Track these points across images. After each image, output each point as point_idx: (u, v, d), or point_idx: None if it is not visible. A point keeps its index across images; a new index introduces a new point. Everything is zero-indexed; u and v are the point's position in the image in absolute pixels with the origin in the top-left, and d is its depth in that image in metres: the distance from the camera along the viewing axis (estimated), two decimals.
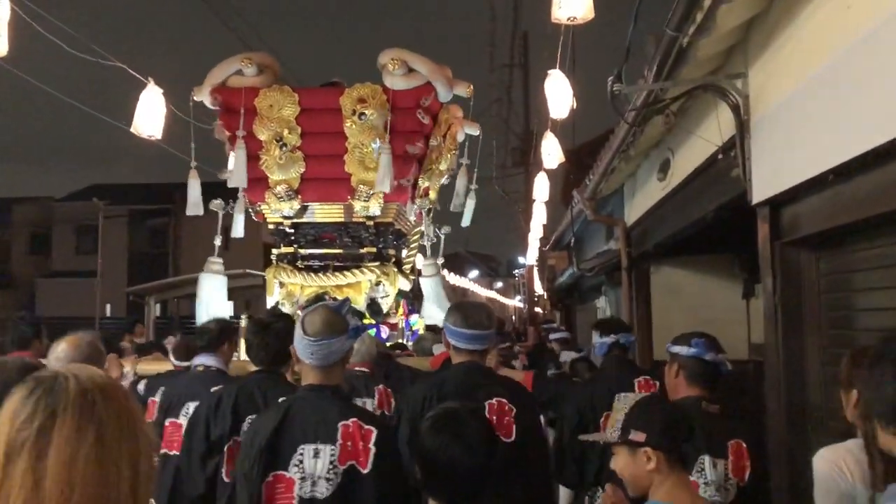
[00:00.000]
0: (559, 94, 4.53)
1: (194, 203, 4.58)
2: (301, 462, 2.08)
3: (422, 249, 5.36)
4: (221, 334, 3.62)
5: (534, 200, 10.20)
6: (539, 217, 11.66)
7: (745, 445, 2.44)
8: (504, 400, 2.48)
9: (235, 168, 4.35)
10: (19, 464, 0.95)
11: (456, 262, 9.18)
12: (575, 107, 4.61)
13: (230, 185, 4.47)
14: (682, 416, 2.01)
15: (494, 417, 2.42)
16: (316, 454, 2.08)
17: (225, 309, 4.54)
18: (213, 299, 4.54)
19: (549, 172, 8.75)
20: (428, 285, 4.84)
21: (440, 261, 5.22)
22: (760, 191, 3.62)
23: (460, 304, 2.88)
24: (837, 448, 2.01)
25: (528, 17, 19.67)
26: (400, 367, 3.29)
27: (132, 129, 4.22)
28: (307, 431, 2.10)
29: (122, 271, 26.98)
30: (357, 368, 3.42)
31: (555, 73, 4.54)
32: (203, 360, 3.46)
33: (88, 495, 0.95)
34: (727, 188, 4.17)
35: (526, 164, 19.64)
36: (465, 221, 5.45)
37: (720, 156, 4.10)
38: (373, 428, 2.11)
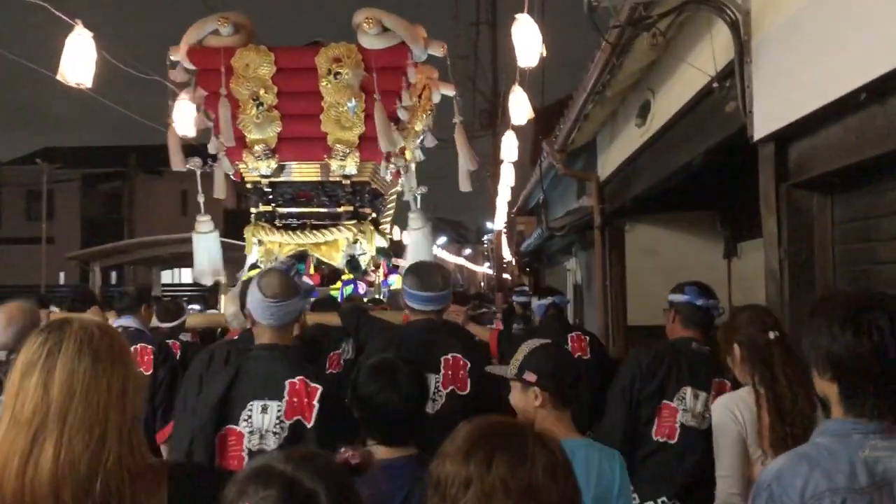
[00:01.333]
0: (527, 41, 4.27)
1: (176, 158, 4.76)
2: (250, 417, 2.26)
3: (406, 206, 5.52)
4: (140, 298, 4.17)
5: (501, 161, 10.03)
6: (507, 179, 11.39)
7: (728, 385, 2.73)
8: (459, 355, 2.70)
9: (222, 127, 4.51)
10: (32, 378, 1.27)
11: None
12: (545, 55, 4.37)
13: (222, 142, 4.64)
14: (571, 363, 2.32)
15: (450, 372, 2.65)
16: (264, 409, 2.25)
17: (219, 266, 4.77)
18: (210, 257, 4.75)
19: (518, 132, 8.60)
20: (414, 237, 5.00)
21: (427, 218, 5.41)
22: (763, 125, 3.22)
23: (416, 266, 3.06)
24: (732, 396, 2.42)
25: None
26: (372, 320, 3.44)
27: (58, 77, 4.04)
28: (256, 388, 2.28)
29: (76, 237, 26.66)
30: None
31: (522, 17, 4.29)
32: (122, 322, 3.81)
33: (86, 400, 1.26)
34: (720, 126, 3.75)
35: (493, 126, 19.74)
36: (464, 186, 5.47)
37: (715, 85, 3.61)
38: (318, 386, 2.29)
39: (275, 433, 2.23)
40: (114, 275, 26.10)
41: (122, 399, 1.29)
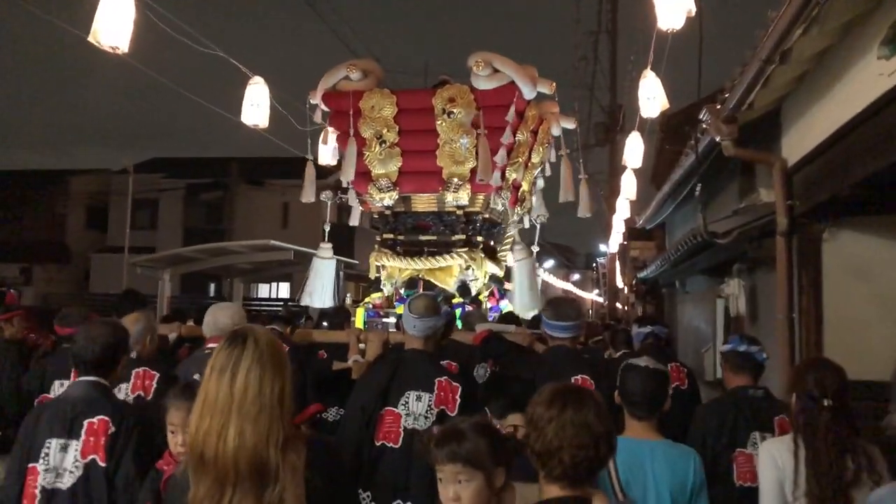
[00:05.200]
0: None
1: (306, 191, 5.91)
2: (407, 403, 3.27)
3: (525, 233, 6.53)
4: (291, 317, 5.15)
5: (624, 168, 8.95)
6: (628, 191, 10.02)
7: (788, 420, 3.31)
8: (587, 377, 3.65)
9: (345, 164, 5.63)
10: (224, 377, 1.92)
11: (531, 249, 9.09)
12: (694, 13, 3.98)
13: (342, 179, 5.78)
14: (647, 386, 2.92)
15: None
16: (419, 399, 3.27)
17: (329, 295, 5.89)
18: (324, 287, 5.90)
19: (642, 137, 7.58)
20: (518, 269, 6.03)
21: (534, 248, 6.42)
22: None
23: (554, 300, 4.07)
24: (775, 441, 2.95)
25: None
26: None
27: (90, 38, 3.93)
28: (412, 381, 3.31)
29: (177, 247, 28.86)
30: (210, 346, 3.87)
31: None
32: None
33: (254, 395, 1.90)
34: None
35: (612, 140, 20.16)
36: (582, 212, 6.65)
37: None
38: (459, 384, 3.32)
39: (426, 417, 3.27)
40: (212, 287, 28.25)
41: (281, 396, 1.94)
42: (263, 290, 28.46)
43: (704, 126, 5.81)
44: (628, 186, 9.69)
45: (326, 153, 5.99)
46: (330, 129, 5.92)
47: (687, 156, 7.05)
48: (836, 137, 4.39)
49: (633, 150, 7.69)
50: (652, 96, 5.14)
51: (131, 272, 26.45)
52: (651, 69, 5.16)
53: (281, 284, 27.99)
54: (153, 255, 13.74)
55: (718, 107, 5.34)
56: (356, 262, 17.43)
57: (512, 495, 2.10)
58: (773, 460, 2.81)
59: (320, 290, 6.02)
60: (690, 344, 10.19)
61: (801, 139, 5.17)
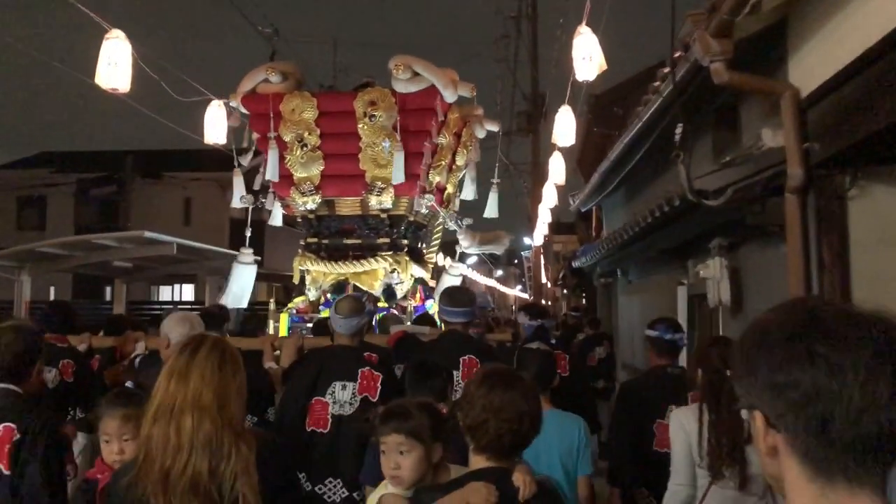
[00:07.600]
0: None
1: (237, 198, 6.23)
2: (333, 392, 3.82)
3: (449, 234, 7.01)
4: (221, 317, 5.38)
5: (553, 148, 8.27)
6: (556, 175, 9.21)
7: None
8: (473, 357, 4.19)
9: (269, 165, 5.93)
10: (180, 381, 2.16)
11: (455, 249, 9.17)
12: None
13: (267, 179, 6.08)
14: (539, 365, 3.66)
15: (466, 369, 4.12)
16: (344, 388, 3.84)
17: (246, 299, 6.18)
18: (242, 290, 6.18)
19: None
20: (448, 281, 6.66)
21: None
22: None
23: (448, 289, 4.67)
24: (684, 410, 3.55)
25: None
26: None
27: None
28: (338, 373, 3.86)
29: None
30: None
31: None
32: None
33: (211, 392, 2.16)
34: None
35: (534, 129, 20.60)
36: (490, 212, 7.19)
37: None
38: (380, 374, 3.88)
39: (350, 404, 3.80)
40: (108, 291, 27.64)
41: (238, 393, 2.25)
42: (165, 293, 28.04)
43: (678, 52, 4.74)
44: (556, 170, 8.98)
45: (214, 132, 6.13)
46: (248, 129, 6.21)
47: (647, 103, 6.01)
48: (885, 47, 3.21)
49: (564, 127, 6.82)
50: (587, 56, 4.65)
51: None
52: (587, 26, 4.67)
53: (185, 286, 27.66)
54: (11, 249, 11.56)
55: (707, 15, 4.17)
56: (259, 257, 17.39)
57: (446, 475, 2.50)
58: (681, 426, 3.40)
59: (238, 294, 6.30)
60: (638, 342, 8.71)
61: (820, 60, 3.95)
